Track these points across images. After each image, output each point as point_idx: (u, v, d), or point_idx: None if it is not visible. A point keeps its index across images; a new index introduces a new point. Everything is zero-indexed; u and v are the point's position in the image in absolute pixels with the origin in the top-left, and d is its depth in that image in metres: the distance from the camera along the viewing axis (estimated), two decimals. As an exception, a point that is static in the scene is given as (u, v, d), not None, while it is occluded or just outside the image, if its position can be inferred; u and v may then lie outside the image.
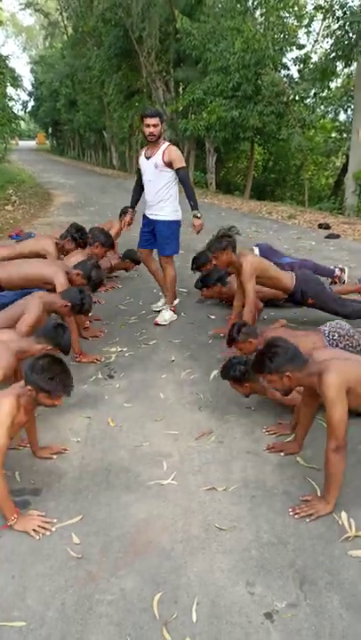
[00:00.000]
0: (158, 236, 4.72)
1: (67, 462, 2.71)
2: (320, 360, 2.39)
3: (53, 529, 2.21)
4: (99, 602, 1.86)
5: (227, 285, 4.79)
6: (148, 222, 4.80)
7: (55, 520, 2.26)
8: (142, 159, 4.60)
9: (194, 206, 4.58)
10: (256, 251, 5.58)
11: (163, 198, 4.58)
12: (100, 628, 1.76)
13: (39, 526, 2.20)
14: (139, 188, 4.83)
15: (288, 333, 3.34)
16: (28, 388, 2.25)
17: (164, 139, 4.61)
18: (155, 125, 4.35)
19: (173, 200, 4.63)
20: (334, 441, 2.21)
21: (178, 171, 4.50)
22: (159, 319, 4.81)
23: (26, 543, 2.14)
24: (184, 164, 4.58)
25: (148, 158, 4.52)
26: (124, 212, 5.68)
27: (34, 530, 2.18)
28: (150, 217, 4.73)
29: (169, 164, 4.45)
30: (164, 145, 4.49)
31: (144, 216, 4.83)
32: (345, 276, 5.51)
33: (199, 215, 4.60)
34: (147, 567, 2.02)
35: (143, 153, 4.61)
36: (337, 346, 3.33)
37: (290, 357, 2.40)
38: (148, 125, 4.36)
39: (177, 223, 4.73)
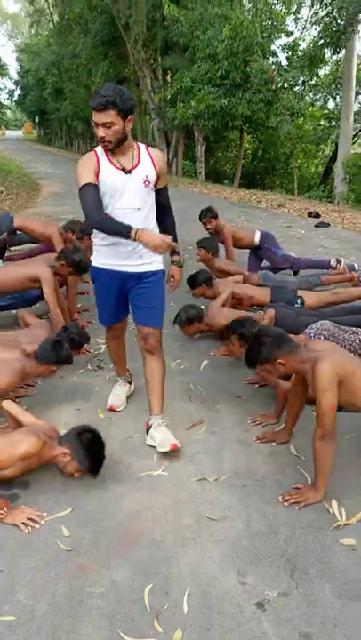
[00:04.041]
0: (151, 297, 2.78)
1: (56, 454, 2.68)
2: (315, 349, 2.40)
3: (43, 522, 2.19)
4: (89, 594, 1.85)
5: (204, 321, 4.06)
6: (119, 280, 2.75)
7: (45, 513, 2.24)
8: (112, 172, 2.51)
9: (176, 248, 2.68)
10: (257, 235, 5.54)
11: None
12: (90, 621, 1.75)
13: (28, 519, 2.18)
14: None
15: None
16: (65, 451, 2.34)
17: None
18: (107, 126, 2.37)
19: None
20: (321, 429, 2.23)
21: (162, 190, 2.75)
22: (163, 447, 2.65)
23: (15, 537, 2.12)
24: None
25: (128, 172, 2.52)
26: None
27: (23, 523, 2.16)
28: (133, 270, 2.70)
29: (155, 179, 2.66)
30: (141, 147, 2.63)
31: (103, 273, 2.77)
32: (340, 267, 5.47)
33: (182, 263, 2.98)
34: (137, 558, 2.01)
35: (107, 162, 2.52)
36: None
37: (277, 344, 2.41)
38: (97, 125, 2.39)
39: (164, 273, 2.87)
